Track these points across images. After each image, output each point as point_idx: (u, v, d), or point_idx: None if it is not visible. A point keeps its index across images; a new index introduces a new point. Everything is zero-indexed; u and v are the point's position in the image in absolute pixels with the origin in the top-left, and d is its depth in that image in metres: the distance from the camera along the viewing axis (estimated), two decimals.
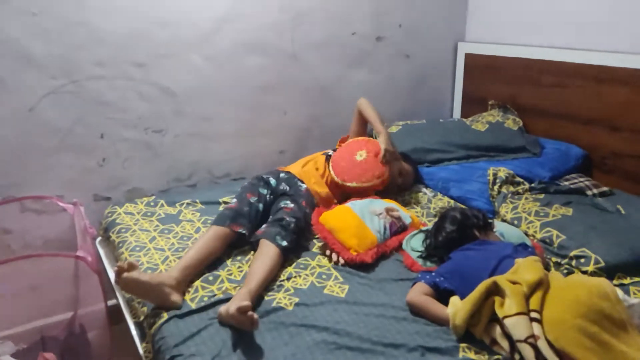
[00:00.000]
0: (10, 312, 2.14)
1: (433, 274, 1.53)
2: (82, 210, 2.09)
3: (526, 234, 1.87)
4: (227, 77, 2.41)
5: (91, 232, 1.93)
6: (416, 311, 1.45)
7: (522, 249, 1.59)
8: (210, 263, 1.70)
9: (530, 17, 2.66)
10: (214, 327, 1.40)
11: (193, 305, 1.49)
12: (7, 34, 1.92)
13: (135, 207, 2.15)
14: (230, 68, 2.40)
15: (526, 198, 2.08)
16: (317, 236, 1.91)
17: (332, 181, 2.19)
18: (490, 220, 1.77)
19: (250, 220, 1.85)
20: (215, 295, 1.55)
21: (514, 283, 1.33)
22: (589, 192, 2.17)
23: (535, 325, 1.23)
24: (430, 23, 2.91)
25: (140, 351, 1.52)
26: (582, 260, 1.68)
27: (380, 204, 1.96)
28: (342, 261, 1.72)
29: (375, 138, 2.29)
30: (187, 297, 1.54)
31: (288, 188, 2.06)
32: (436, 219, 1.83)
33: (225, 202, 2.16)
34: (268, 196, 2.00)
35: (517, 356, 1.24)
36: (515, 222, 1.96)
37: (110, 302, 1.95)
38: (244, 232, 1.79)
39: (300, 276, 1.66)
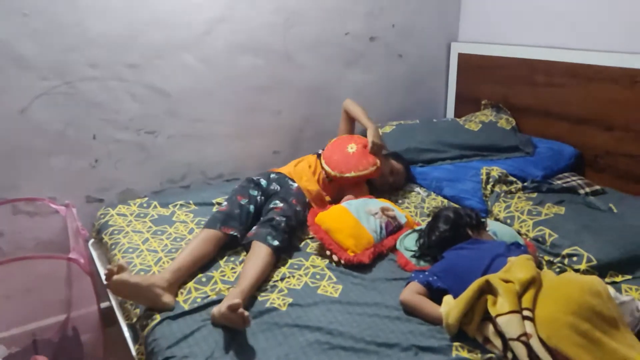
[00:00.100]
0: (3, 315, 2.12)
1: (426, 273, 1.53)
2: (75, 212, 2.08)
3: (519, 232, 1.87)
4: (221, 78, 2.41)
5: (83, 234, 1.92)
6: (409, 310, 1.46)
7: (515, 248, 1.60)
8: (203, 265, 1.69)
9: (523, 17, 2.67)
10: (207, 329, 1.40)
11: (186, 307, 1.49)
12: None
13: (128, 208, 2.15)
14: (224, 69, 2.40)
15: (519, 197, 2.09)
16: (310, 236, 1.92)
17: (324, 178, 2.19)
18: (483, 220, 1.78)
19: (241, 223, 1.84)
20: (208, 296, 1.54)
21: (507, 281, 1.34)
22: (581, 191, 2.18)
23: (527, 323, 1.24)
24: (423, 23, 2.92)
25: (133, 353, 1.51)
26: (575, 258, 1.68)
27: (376, 204, 1.96)
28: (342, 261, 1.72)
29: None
30: (180, 298, 1.53)
31: (279, 188, 2.06)
32: (430, 219, 1.83)
33: (219, 203, 2.16)
34: (259, 197, 2.00)
35: (509, 354, 1.25)
36: (508, 221, 1.97)
37: (103, 304, 1.94)
38: (235, 234, 1.79)
39: (294, 276, 1.66)
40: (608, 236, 1.75)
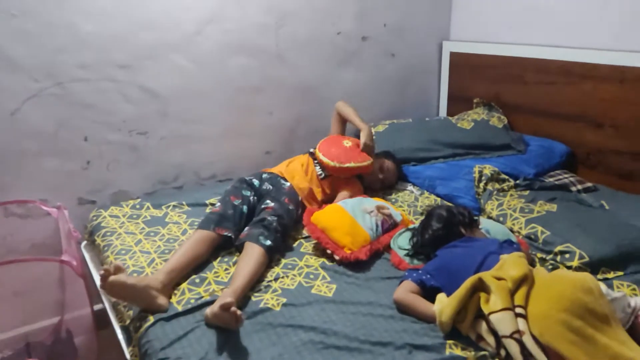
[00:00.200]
0: None
1: (420, 271, 1.54)
2: (67, 214, 2.07)
3: (511, 230, 1.88)
4: (212, 79, 2.40)
5: (76, 236, 1.91)
6: (403, 309, 1.46)
7: (508, 245, 1.60)
8: (197, 266, 1.69)
9: (514, 16, 2.68)
10: (200, 330, 1.40)
11: (179, 308, 1.48)
12: None
13: (120, 210, 2.14)
14: (215, 69, 2.39)
15: (511, 195, 2.10)
16: (304, 236, 1.92)
17: (318, 176, 2.20)
18: (475, 218, 1.78)
19: (235, 223, 1.84)
20: (202, 297, 1.54)
21: (499, 279, 1.34)
22: (573, 188, 2.19)
23: (520, 320, 1.25)
24: (415, 22, 2.92)
25: (127, 355, 1.50)
26: (567, 255, 1.69)
27: (371, 202, 1.97)
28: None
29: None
30: (174, 299, 1.53)
31: (271, 187, 2.06)
32: (423, 217, 1.84)
33: (212, 204, 2.15)
34: (252, 198, 2.00)
35: (502, 352, 1.25)
36: (501, 218, 1.98)
37: (97, 307, 1.93)
38: (229, 235, 1.79)
39: (287, 276, 1.65)
40: (600, 233, 1.76)
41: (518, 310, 1.27)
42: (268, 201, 1.93)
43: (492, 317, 1.27)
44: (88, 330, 1.96)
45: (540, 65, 2.54)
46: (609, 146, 2.32)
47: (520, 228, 1.88)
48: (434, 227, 1.70)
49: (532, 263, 1.72)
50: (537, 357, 1.19)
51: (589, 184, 2.24)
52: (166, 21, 2.21)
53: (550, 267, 1.70)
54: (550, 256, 1.73)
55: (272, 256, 1.73)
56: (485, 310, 1.30)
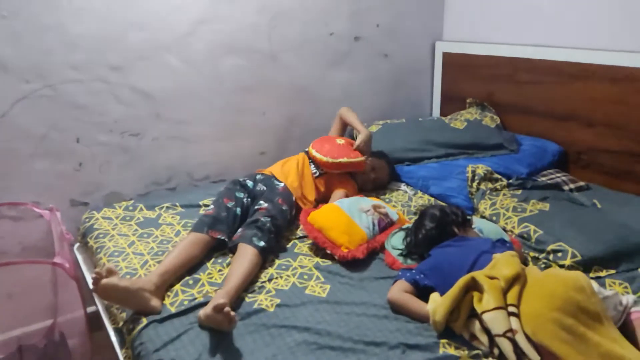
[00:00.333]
0: None
1: (413, 271, 1.54)
2: (59, 216, 2.06)
3: (504, 229, 1.89)
4: (205, 79, 2.39)
5: (68, 238, 1.90)
6: (397, 309, 1.46)
7: (501, 245, 1.61)
8: (190, 268, 1.68)
9: (506, 16, 2.69)
10: (194, 331, 1.39)
11: (173, 310, 1.48)
12: None
13: (113, 211, 2.13)
14: (208, 70, 2.39)
15: (504, 194, 2.11)
16: (298, 237, 1.92)
17: (312, 174, 2.21)
18: (468, 217, 1.79)
19: (228, 226, 1.84)
20: (195, 298, 1.53)
21: (492, 278, 1.35)
22: (565, 187, 2.20)
23: (513, 319, 1.25)
24: (407, 23, 2.93)
25: (121, 358, 1.50)
26: (559, 254, 1.70)
27: (367, 202, 1.98)
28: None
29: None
30: (167, 301, 1.52)
31: (265, 188, 2.06)
32: (416, 217, 1.84)
33: (206, 205, 2.15)
34: (245, 199, 2.00)
35: (496, 350, 1.26)
36: (494, 218, 1.99)
37: (90, 309, 1.92)
38: (222, 238, 1.78)
39: (281, 277, 1.65)
40: (592, 232, 1.77)
41: (511, 309, 1.27)
42: (261, 202, 1.93)
43: (485, 316, 1.27)
44: (81, 333, 1.95)
45: (532, 65, 2.55)
46: (600, 145, 2.33)
47: (513, 227, 1.89)
48: (427, 227, 1.71)
49: (525, 262, 1.73)
50: (530, 355, 1.20)
51: (582, 183, 2.26)
52: (158, 22, 2.21)
53: (543, 265, 1.71)
54: (543, 255, 1.74)
55: (266, 257, 1.73)
56: (479, 309, 1.30)
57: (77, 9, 2.02)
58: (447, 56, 3.02)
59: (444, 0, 3.02)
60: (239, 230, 1.80)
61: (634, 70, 2.14)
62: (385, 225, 1.91)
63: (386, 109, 3.01)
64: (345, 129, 2.48)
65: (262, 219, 1.80)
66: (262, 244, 1.69)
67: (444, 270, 1.50)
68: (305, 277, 1.66)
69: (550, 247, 1.73)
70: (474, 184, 2.21)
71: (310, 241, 1.87)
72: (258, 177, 2.13)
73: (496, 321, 1.25)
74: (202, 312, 1.38)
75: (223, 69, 2.43)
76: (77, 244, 2.15)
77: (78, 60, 2.08)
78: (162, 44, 2.25)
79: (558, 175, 2.32)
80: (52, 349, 2.10)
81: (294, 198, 2.07)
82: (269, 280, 1.63)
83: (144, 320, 1.44)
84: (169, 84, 2.31)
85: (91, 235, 1.99)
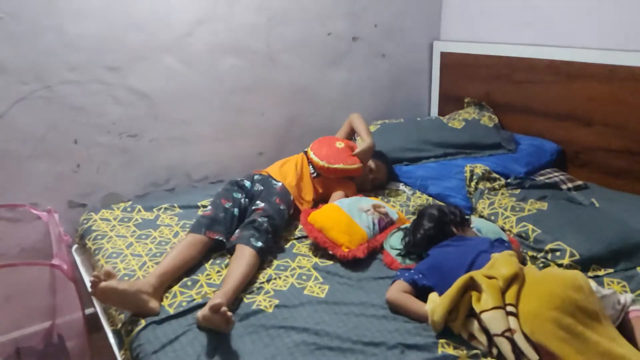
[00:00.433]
0: None
1: (412, 271, 1.54)
2: (57, 217, 2.06)
3: (503, 229, 1.89)
4: (203, 80, 2.39)
5: (66, 239, 1.90)
6: (395, 309, 1.46)
7: (499, 244, 1.61)
8: (188, 269, 1.68)
9: (503, 15, 2.70)
10: (192, 333, 1.39)
11: (171, 311, 1.47)
12: None
13: (111, 213, 2.12)
14: (206, 70, 2.39)
15: (502, 194, 2.11)
16: (296, 237, 1.92)
17: (311, 174, 2.21)
18: (467, 217, 1.79)
19: (226, 227, 1.84)
20: (194, 300, 1.53)
21: (490, 278, 1.35)
22: (563, 187, 2.21)
23: (511, 319, 1.25)
24: (405, 23, 2.93)
25: (119, 359, 1.50)
26: (558, 253, 1.70)
27: (367, 201, 1.98)
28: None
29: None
30: (165, 302, 1.52)
31: (262, 188, 2.06)
32: (415, 217, 1.84)
33: (204, 206, 2.14)
34: (243, 200, 1.99)
35: (494, 350, 1.26)
36: (492, 217, 1.99)
37: (88, 311, 1.92)
38: (220, 238, 1.78)
39: (280, 278, 1.65)
40: (590, 231, 1.77)
41: (509, 308, 1.27)
42: (258, 202, 1.93)
43: (483, 316, 1.27)
44: (80, 335, 1.95)
45: (530, 65, 2.56)
46: (598, 144, 2.34)
47: (512, 226, 1.89)
48: (426, 227, 1.71)
49: (523, 261, 1.73)
50: (529, 355, 1.20)
51: (580, 182, 2.26)
52: (156, 22, 2.21)
53: (541, 265, 1.71)
54: (541, 254, 1.74)
55: (264, 257, 1.73)
56: (477, 309, 1.30)
57: (76, 10, 2.02)
58: (445, 56, 3.02)
59: (442, 1, 3.02)
60: (237, 231, 1.80)
61: (632, 70, 2.14)
62: (386, 224, 1.91)
63: (384, 109, 3.01)
64: (353, 135, 2.47)
65: (259, 219, 1.80)
66: (259, 244, 1.69)
67: (443, 270, 1.50)
68: (304, 277, 1.65)
69: (548, 247, 1.73)
70: (472, 184, 2.22)
71: (309, 241, 1.87)
72: (255, 177, 2.13)
73: (495, 321, 1.25)
74: (199, 313, 1.38)
75: (222, 70, 2.42)
76: (75, 246, 2.15)
77: (76, 61, 2.07)
78: (161, 45, 2.24)
79: (556, 174, 2.32)
80: (51, 351, 2.10)
81: (291, 197, 2.06)
82: (268, 281, 1.63)
83: (143, 322, 1.44)
84: (167, 84, 2.30)
85: (89, 236, 1.98)
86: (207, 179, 2.55)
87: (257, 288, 1.59)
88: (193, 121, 2.42)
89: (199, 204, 2.19)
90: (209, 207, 1.92)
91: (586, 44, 2.33)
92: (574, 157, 2.46)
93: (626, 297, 1.36)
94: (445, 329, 1.36)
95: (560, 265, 1.67)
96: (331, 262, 1.74)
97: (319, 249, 1.81)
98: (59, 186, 2.17)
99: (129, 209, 2.15)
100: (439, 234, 1.68)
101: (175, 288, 1.59)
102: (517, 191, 2.12)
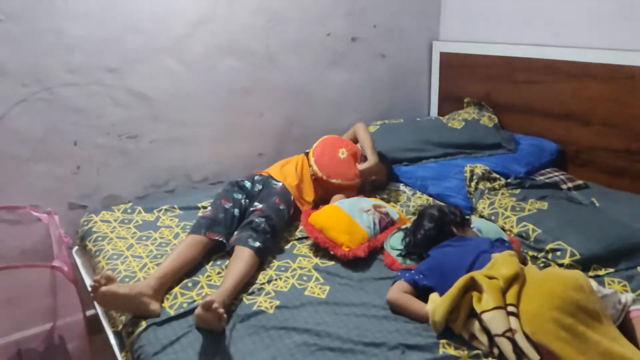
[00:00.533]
0: None
1: (412, 271, 1.54)
2: (57, 219, 2.05)
3: (503, 229, 1.89)
4: (203, 81, 2.39)
5: (66, 241, 1.89)
6: (396, 309, 1.46)
7: (499, 244, 1.61)
8: (189, 271, 1.68)
9: (502, 15, 2.70)
10: (193, 334, 1.39)
11: (172, 312, 1.48)
12: None
13: (112, 214, 2.12)
14: (206, 71, 2.39)
15: (502, 194, 2.11)
16: (297, 238, 1.92)
17: (311, 176, 2.21)
18: (467, 217, 1.79)
19: (226, 227, 1.84)
20: (194, 301, 1.53)
21: (491, 278, 1.35)
22: (563, 186, 2.21)
23: (512, 319, 1.25)
24: (404, 23, 2.93)
25: None
26: (558, 253, 1.70)
27: (368, 202, 1.98)
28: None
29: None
30: (166, 304, 1.52)
31: (262, 188, 2.06)
32: (415, 217, 1.84)
33: (204, 207, 2.15)
34: (243, 200, 1.99)
35: (495, 350, 1.26)
36: (492, 217, 1.99)
37: (89, 312, 1.92)
38: (221, 239, 1.78)
39: (281, 279, 1.65)
40: (591, 230, 1.77)
41: (510, 308, 1.27)
42: (256, 203, 1.93)
43: (484, 316, 1.28)
44: (80, 336, 1.94)
45: (529, 65, 2.56)
46: (598, 144, 2.34)
47: (512, 226, 1.89)
48: (426, 227, 1.71)
49: (523, 261, 1.73)
50: (530, 355, 1.20)
51: (580, 182, 2.26)
52: (155, 24, 2.20)
53: (541, 265, 1.71)
54: (542, 254, 1.74)
55: (263, 257, 1.73)
56: (478, 309, 1.30)
57: (75, 12, 2.02)
58: (444, 56, 3.02)
59: (441, 1, 3.02)
60: (235, 233, 1.80)
61: (631, 69, 2.14)
62: (386, 224, 1.91)
63: (384, 109, 3.01)
64: (357, 141, 2.43)
65: (257, 219, 1.80)
66: (257, 244, 1.69)
67: (443, 270, 1.50)
68: (305, 278, 1.65)
69: (549, 246, 1.73)
70: (473, 184, 2.22)
71: (309, 242, 1.87)
72: (256, 177, 2.13)
73: (495, 321, 1.25)
74: (194, 312, 1.38)
75: (221, 71, 2.42)
76: (76, 247, 2.15)
77: (76, 63, 2.07)
78: (160, 46, 2.24)
79: (556, 174, 2.32)
80: (52, 352, 2.10)
81: (292, 197, 2.06)
82: (268, 281, 1.63)
83: (143, 324, 1.44)
84: (166, 86, 2.30)
85: (90, 238, 1.98)
86: (207, 180, 2.55)
87: (258, 289, 1.59)
88: (193, 122, 2.42)
89: (199, 205, 2.19)
90: (209, 208, 1.92)
91: (586, 44, 2.33)
92: (574, 156, 2.46)
93: (627, 297, 1.36)
94: (446, 329, 1.36)
95: (560, 265, 1.67)
96: (332, 263, 1.74)
97: (320, 250, 1.81)
98: (59, 188, 2.17)
99: (129, 211, 2.15)
100: (439, 234, 1.68)
101: (176, 289, 1.59)
102: (517, 191, 2.12)
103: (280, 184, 2.08)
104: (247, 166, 2.59)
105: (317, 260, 1.77)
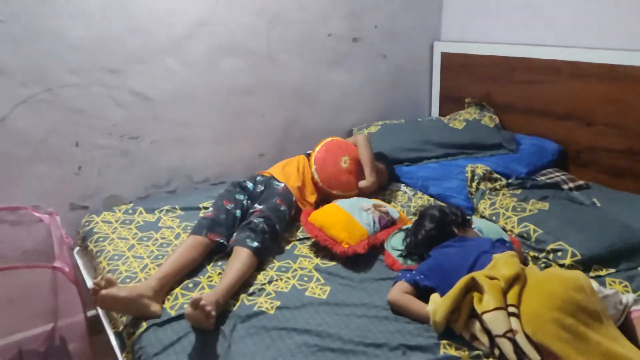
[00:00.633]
0: None
1: (413, 272, 1.54)
2: (59, 219, 2.06)
3: (504, 229, 1.89)
4: (204, 81, 2.39)
5: (68, 242, 1.90)
6: (397, 310, 1.46)
7: (500, 245, 1.61)
8: (190, 271, 1.68)
9: (503, 15, 2.70)
10: (194, 335, 1.39)
11: (173, 313, 1.48)
12: None
13: (113, 215, 2.13)
14: (207, 72, 2.39)
15: (503, 194, 2.11)
16: (298, 238, 1.92)
17: (312, 178, 2.21)
18: (468, 217, 1.79)
19: (227, 228, 1.84)
20: None
21: (492, 278, 1.34)
22: (565, 186, 2.20)
23: (513, 319, 1.25)
24: (405, 23, 2.93)
25: None
26: (559, 253, 1.70)
27: (368, 201, 1.98)
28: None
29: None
30: (167, 304, 1.52)
31: (264, 189, 2.06)
32: (416, 218, 1.84)
33: (206, 208, 2.14)
34: (245, 201, 2.00)
35: (496, 351, 1.26)
36: (494, 217, 1.98)
37: (90, 313, 1.92)
38: (221, 240, 1.78)
39: (281, 279, 1.65)
40: (592, 231, 1.77)
41: (511, 309, 1.27)
42: (256, 205, 1.94)
43: (485, 317, 1.27)
44: (81, 337, 1.95)
45: (530, 65, 2.55)
46: (599, 144, 2.33)
47: (513, 227, 1.88)
48: (427, 228, 1.71)
49: (524, 262, 1.72)
50: (531, 355, 1.20)
51: (581, 182, 2.25)
52: (156, 24, 2.21)
53: (542, 265, 1.71)
54: (543, 254, 1.74)
55: (262, 257, 1.73)
56: (479, 309, 1.30)
57: (75, 12, 2.02)
58: (445, 56, 3.02)
59: (442, 1, 3.02)
60: (234, 234, 1.80)
61: (632, 69, 2.14)
62: (386, 223, 1.91)
63: (385, 110, 3.01)
64: None
65: (255, 220, 1.80)
66: (255, 244, 1.69)
67: (444, 270, 1.50)
68: (305, 279, 1.65)
69: (550, 247, 1.73)
70: (474, 184, 2.21)
71: (310, 243, 1.87)
72: (258, 178, 2.13)
73: (496, 321, 1.25)
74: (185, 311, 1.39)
75: (222, 71, 2.43)
76: (77, 248, 2.15)
77: (77, 64, 2.08)
78: (161, 47, 2.25)
79: (557, 174, 2.32)
80: (53, 353, 2.10)
81: (294, 198, 2.06)
82: (269, 282, 1.63)
83: (144, 324, 1.44)
84: (167, 86, 2.31)
85: (91, 239, 1.98)
86: (208, 181, 2.55)
87: (259, 289, 1.59)
88: (194, 123, 2.42)
89: (200, 205, 2.19)
90: (211, 209, 1.92)
91: (587, 44, 2.33)
92: (575, 157, 2.46)
93: (628, 297, 1.36)
94: (447, 329, 1.36)
95: (561, 266, 1.66)
96: (333, 264, 1.74)
97: (320, 250, 1.81)
98: (60, 189, 2.18)
99: (130, 211, 2.15)
100: (440, 234, 1.67)
101: (177, 290, 1.59)
102: (519, 191, 2.12)
103: (282, 184, 2.08)
104: (248, 167, 2.59)
105: (318, 260, 1.77)
